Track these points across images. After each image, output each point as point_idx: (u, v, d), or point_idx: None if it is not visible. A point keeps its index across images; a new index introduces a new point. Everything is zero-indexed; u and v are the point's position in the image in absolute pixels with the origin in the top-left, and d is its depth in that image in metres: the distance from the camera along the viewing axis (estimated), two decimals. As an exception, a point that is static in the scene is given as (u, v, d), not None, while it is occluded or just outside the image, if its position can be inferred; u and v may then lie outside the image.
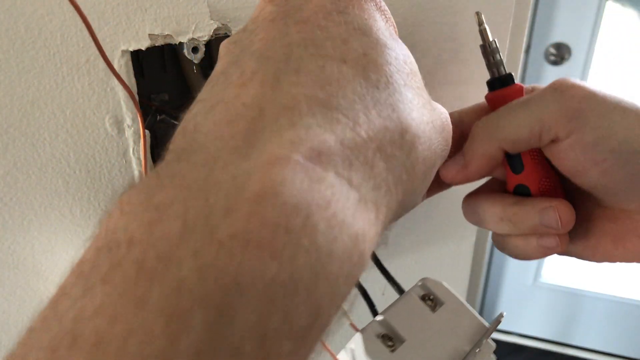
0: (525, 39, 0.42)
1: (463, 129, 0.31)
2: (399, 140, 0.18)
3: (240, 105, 0.16)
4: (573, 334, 1.70)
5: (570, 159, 0.27)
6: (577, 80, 0.27)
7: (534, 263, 1.61)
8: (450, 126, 0.23)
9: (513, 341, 1.72)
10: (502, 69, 0.30)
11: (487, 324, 0.29)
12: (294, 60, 0.18)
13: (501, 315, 0.29)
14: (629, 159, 0.26)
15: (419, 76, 0.22)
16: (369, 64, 0.19)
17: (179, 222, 0.13)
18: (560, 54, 1.28)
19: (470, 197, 0.32)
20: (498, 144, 0.28)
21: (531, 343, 1.72)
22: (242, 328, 0.12)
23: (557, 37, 1.28)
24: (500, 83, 0.29)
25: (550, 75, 1.32)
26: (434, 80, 0.38)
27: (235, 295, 0.12)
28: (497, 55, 0.29)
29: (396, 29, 0.23)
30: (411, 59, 0.22)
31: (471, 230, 0.49)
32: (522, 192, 0.30)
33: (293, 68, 0.17)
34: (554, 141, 0.27)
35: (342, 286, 0.15)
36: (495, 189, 0.32)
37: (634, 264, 0.29)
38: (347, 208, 0.15)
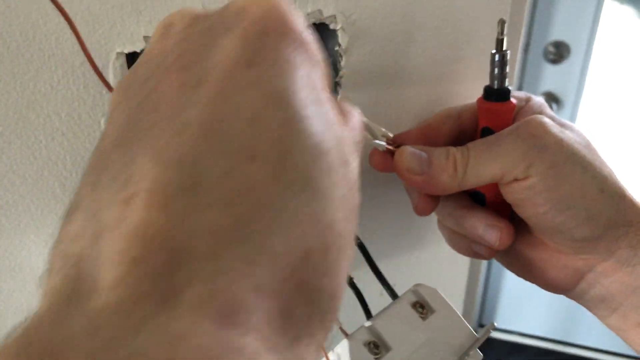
0: (524, 38, 0.42)
1: (461, 125, 0.33)
2: (321, 264, 0.14)
3: (126, 241, 0.12)
4: (574, 332, 1.69)
5: (515, 194, 0.29)
6: (545, 122, 0.28)
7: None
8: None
9: (513, 340, 1.72)
10: (503, 82, 0.30)
11: (476, 335, 0.29)
12: (189, 166, 0.13)
13: (492, 326, 0.29)
14: (563, 210, 0.28)
15: (347, 142, 0.16)
16: (282, 158, 0.14)
17: None
18: (559, 52, 1.28)
19: None
20: (460, 188, 0.30)
21: (532, 342, 1.72)
22: None
23: (556, 35, 1.28)
24: (496, 97, 0.30)
25: (550, 74, 1.32)
26: (430, 78, 0.38)
27: None
28: (505, 69, 0.30)
29: (328, 76, 0.17)
30: (337, 132, 0.16)
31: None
32: (477, 198, 0.33)
33: (190, 182, 0.13)
34: (509, 181, 0.29)
35: None
36: None
37: None
38: None
